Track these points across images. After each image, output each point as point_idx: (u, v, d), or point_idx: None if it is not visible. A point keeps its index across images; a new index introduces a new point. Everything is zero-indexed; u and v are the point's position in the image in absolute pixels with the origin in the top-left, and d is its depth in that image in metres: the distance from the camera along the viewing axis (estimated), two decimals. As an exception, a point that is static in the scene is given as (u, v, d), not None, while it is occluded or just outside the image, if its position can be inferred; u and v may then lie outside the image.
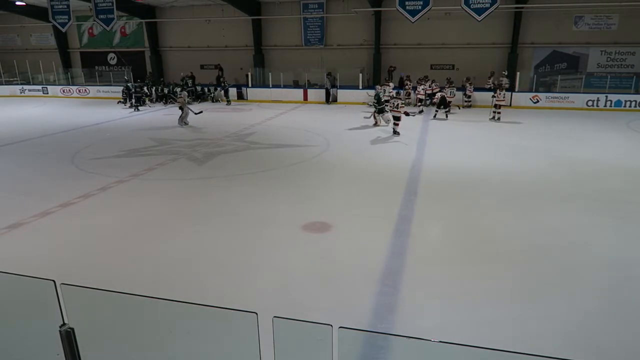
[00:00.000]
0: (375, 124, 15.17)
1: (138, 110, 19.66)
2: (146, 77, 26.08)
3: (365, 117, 16.37)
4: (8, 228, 6.55)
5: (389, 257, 5.58)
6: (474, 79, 19.74)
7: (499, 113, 16.05)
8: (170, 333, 2.06)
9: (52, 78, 27.29)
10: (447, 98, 16.75)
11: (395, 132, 13.42)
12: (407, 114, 13.61)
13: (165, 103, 21.61)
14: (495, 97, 16.15)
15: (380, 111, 14.86)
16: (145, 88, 21.91)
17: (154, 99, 21.82)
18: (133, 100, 20.10)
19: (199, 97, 22.13)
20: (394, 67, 21.57)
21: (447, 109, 16.70)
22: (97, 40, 28.60)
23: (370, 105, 16.51)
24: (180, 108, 15.72)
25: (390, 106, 13.80)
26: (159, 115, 18.49)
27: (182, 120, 15.59)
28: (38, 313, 2.21)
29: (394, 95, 14.71)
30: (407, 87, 19.99)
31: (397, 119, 13.41)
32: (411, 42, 22.97)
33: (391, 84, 18.86)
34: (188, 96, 21.87)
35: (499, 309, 4.45)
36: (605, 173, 9.31)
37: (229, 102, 21.93)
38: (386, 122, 14.67)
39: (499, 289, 4.86)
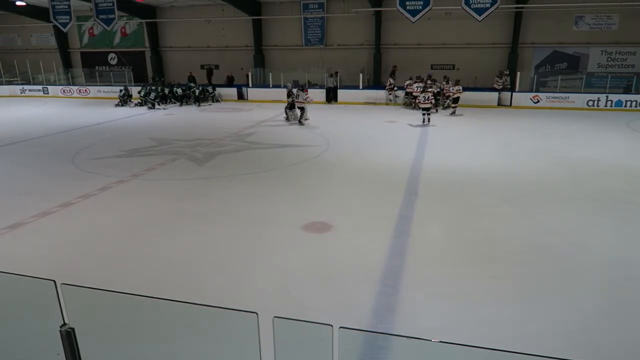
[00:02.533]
0: (287, 119, 16.56)
1: (153, 108, 20.03)
2: (153, 79, 25.99)
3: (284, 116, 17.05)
4: (8, 228, 6.56)
5: (389, 257, 5.58)
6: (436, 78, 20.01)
7: (454, 107, 17.61)
8: (170, 333, 2.06)
9: (53, 78, 27.29)
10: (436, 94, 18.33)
11: (425, 121, 15.18)
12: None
13: (166, 103, 21.61)
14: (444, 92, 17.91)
15: (291, 107, 16.52)
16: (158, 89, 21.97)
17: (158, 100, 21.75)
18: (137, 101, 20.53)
19: (198, 98, 22.04)
20: (396, 67, 21.66)
21: (436, 105, 18.09)
22: (98, 40, 28.60)
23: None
24: (302, 108, 15.85)
25: (420, 99, 15.47)
26: (159, 115, 18.50)
27: (302, 119, 15.82)
28: (38, 313, 2.21)
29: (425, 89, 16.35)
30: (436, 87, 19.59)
31: (427, 109, 15.17)
32: (411, 42, 22.97)
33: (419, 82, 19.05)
34: (188, 97, 21.95)
35: (499, 309, 4.45)
36: (606, 173, 9.30)
37: (198, 104, 21.71)
38: (294, 119, 16.27)
39: (499, 289, 4.86)
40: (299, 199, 7.87)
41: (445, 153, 11.19)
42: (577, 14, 20.57)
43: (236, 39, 25.74)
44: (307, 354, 1.77)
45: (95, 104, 22.63)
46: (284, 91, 22.24)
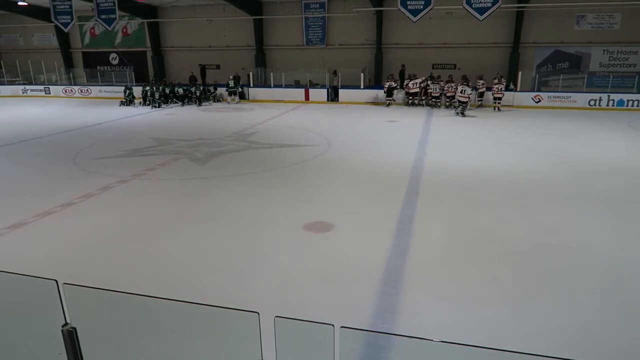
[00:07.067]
0: (227, 102, 21.36)
1: (157, 107, 20.38)
2: (154, 80, 25.98)
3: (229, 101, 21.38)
4: (10, 228, 6.57)
5: (391, 256, 5.58)
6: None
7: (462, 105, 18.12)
8: (171, 333, 2.06)
9: (54, 78, 27.31)
10: (429, 90, 19.33)
11: (462, 114, 17.03)
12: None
13: (168, 103, 21.62)
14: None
15: (231, 93, 21.60)
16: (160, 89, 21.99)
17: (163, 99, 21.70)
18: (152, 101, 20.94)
19: (199, 98, 22.03)
20: (404, 66, 21.74)
21: (424, 99, 19.39)
22: (99, 40, 28.64)
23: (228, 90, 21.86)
24: (465, 102, 17.23)
25: (461, 93, 17.28)
26: (161, 115, 18.52)
27: (463, 112, 17.08)
28: (40, 312, 2.21)
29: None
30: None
31: (464, 103, 17.16)
32: (413, 41, 22.97)
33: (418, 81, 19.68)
34: (190, 97, 21.93)
35: (500, 309, 4.45)
36: (607, 173, 9.28)
37: (199, 103, 21.85)
38: (229, 102, 21.46)
39: (500, 288, 4.86)
40: (300, 199, 7.87)
41: (446, 152, 11.18)
42: (578, 13, 20.54)
43: (237, 39, 25.76)
44: (308, 353, 1.78)
45: (97, 103, 22.66)
46: (285, 91, 22.52)
